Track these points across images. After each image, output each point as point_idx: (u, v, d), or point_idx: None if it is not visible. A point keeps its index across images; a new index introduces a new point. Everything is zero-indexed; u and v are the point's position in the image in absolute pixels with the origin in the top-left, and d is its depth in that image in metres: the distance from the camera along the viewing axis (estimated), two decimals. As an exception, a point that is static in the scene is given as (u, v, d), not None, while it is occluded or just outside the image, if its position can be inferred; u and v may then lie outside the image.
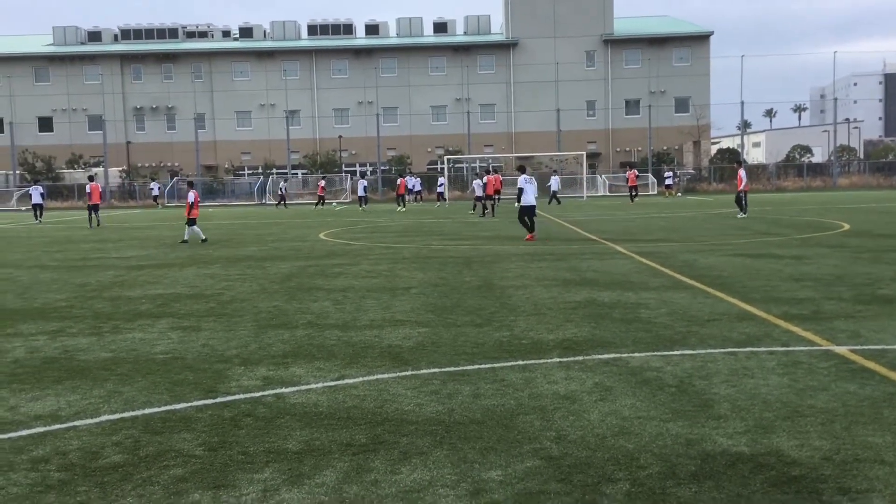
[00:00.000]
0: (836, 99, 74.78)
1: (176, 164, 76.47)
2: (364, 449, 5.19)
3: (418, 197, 55.99)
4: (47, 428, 5.82)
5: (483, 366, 7.35)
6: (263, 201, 63.93)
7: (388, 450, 5.16)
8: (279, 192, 53.18)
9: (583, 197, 56.86)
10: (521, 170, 22.66)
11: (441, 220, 32.83)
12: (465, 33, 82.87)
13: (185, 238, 22.79)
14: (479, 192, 40.84)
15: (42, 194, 41.06)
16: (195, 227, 22.78)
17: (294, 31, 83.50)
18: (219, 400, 6.44)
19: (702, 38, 78.93)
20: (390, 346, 8.33)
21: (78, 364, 7.86)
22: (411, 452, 5.10)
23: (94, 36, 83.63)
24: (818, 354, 7.51)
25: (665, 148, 73.95)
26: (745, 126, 79.89)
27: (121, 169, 72.63)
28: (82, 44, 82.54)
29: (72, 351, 8.48)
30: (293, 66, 78.61)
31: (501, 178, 50.24)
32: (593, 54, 77.76)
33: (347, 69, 78.72)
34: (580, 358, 7.57)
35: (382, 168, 69.48)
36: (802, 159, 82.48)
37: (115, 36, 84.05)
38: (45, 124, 78.05)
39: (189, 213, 22.69)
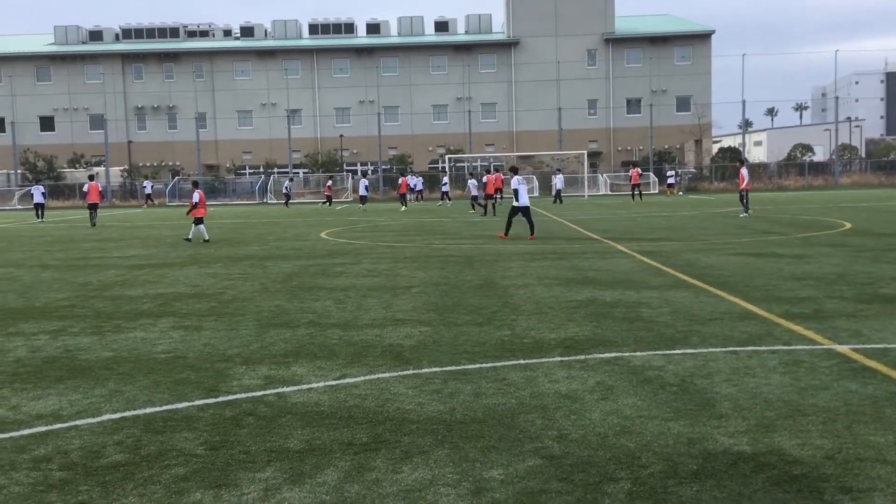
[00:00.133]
0: (837, 98, 74.69)
1: (177, 163, 76.46)
2: (365, 448, 5.19)
3: (419, 196, 55.99)
4: (49, 427, 5.83)
5: (484, 365, 7.35)
6: (265, 200, 63.94)
7: (389, 449, 5.16)
8: (284, 191, 53.14)
9: (584, 196, 56.84)
10: (514, 171, 22.92)
11: (442, 220, 32.83)
12: (467, 32, 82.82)
13: (189, 236, 22.80)
14: (473, 192, 40.92)
15: (43, 194, 41.16)
16: (201, 227, 22.81)
17: (295, 30, 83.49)
18: (220, 399, 6.45)
19: (703, 37, 78.87)
20: (392, 345, 8.33)
21: (79, 363, 7.87)
22: (413, 451, 5.10)
23: (96, 35, 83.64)
24: (820, 353, 7.51)
25: (666, 147, 73.90)
26: (746, 125, 79.86)
27: (122, 168, 72.66)
28: (83, 43, 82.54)
29: (73, 350, 8.49)
30: (294, 65, 78.61)
31: (503, 178, 50.30)
32: (594, 53, 77.72)
33: (349, 68, 78.70)
34: (582, 357, 7.57)
35: (384, 167, 69.50)
36: (804, 158, 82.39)
37: (117, 35, 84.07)
38: (47, 124, 78.08)
39: (194, 213, 22.68)
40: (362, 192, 45.16)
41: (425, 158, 75.68)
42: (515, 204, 21.32)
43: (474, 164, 68.19)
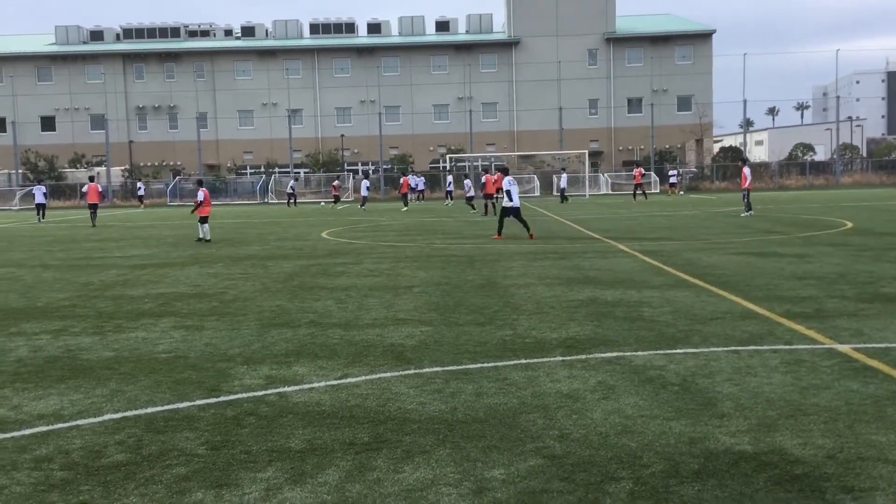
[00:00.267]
0: (838, 97, 74.71)
1: (178, 163, 76.47)
2: (367, 448, 5.19)
3: (421, 196, 56.00)
4: (50, 427, 5.83)
5: (486, 364, 7.35)
6: (266, 200, 63.95)
7: (390, 449, 5.16)
8: (290, 191, 53.11)
9: (585, 195, 56.83)
10: (504, 171, 22.97)
11: (443, 219, 32.83)
12: (467, 32, 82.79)
13: (207, 238, 22.75)
14: (469, 192, 40.97)
15: (45, 194, 41.20)
16: (206, 226, 22.81)
17: (296, 29, 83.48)
18: (221, 399, 6.45)
19: (704, 37, 78.82)
20: (393, 344, 8.33)
21: (81, 363, 7.87)
22: (414, 451, 5.10)
23: (97, 35, 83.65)
24: (821, 353, 7.50)
25: (667, 146, 73.86)
26: (747, 124, 79.82)
27: (123, 168, 72.68)
28: (84, 43, 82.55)
29: (75, 350, 8.49)
30: (295, 64, 78.59)
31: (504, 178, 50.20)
32: (595, 52, 77.68)
33: (349, 68, 78.69)
34: (583, 357, 7.56)
35: (385, 167, 69.51)
36: (805, 157, 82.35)
37: (118, 35, 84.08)
38: (48, 124, 78.09)
39: (199, 211, 22.67)
40: (364, 192, 45.17)
41: (426, 158, 75.69)
42: (507, 205, 21.43)
43: (475, 163, 68.14)
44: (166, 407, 6.26)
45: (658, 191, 61.73)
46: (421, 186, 56.79)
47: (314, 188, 66.10)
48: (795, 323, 8.89)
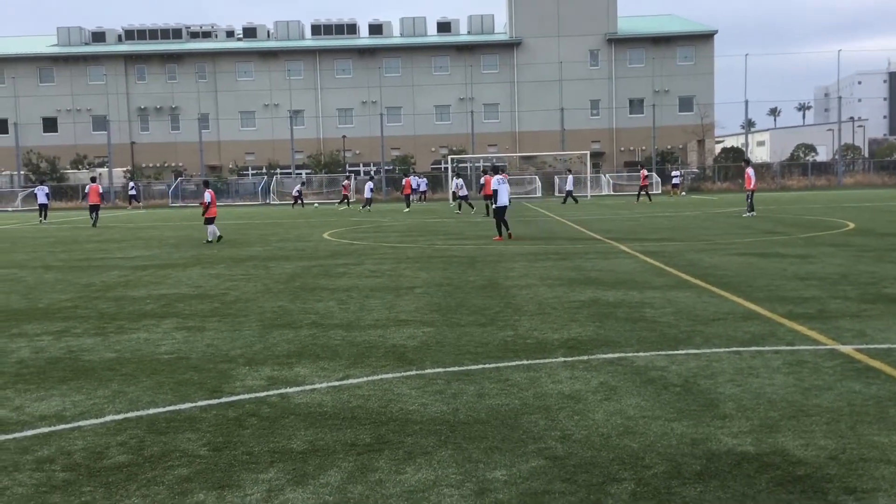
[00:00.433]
0: (840, 97, 74.59)
1: (180, 164, 76.55)
2: (368, 449, 5.19)
3: (423, 197, 56.01)
4: (52, 428, 5.83)
5: (487, 365, 7.34)
6: (268, 201, 63.99)
7: (392, 450, 5.16)
8: (295, 193, 53.13)
9: (587, 196, 56.82)
10: (495, 171, 23.01)
11: (445, 220, 32.83)
12: (469, 33, 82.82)
13: (209, 239, 22.74)
14: (461, 193, 41.04)
15: (47, 195, 41.27)
16: (212, 227, 22.81)
17: (298, 30, 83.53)
18: (223, 400, 6.45)
19: (706, 37, 78.82)
20: (394, 345, 8.33)
21: (83, 364, 7.87)
22: (416, 452, 5.09)
23: (98, 36, 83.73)
24: (823, 353, 7.49)
25: (669, 147, 73.85)
26: (749, 125, 79.72)
27: (125, 169, 72.74)
28: (86, 44, 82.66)
29: (76, 351, 8.49)
30: (297, 66, 78.64)
31: (507, 177, 50.19)
32: (597, 53, 77.68)
33: (351, 69, 78.73)
34: (585, 357, 7.56)
35: (386, 168, 69.53)
36: (807, 158, 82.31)
37: (119, 36, 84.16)
38: (50, 125, 78.18)
39: (206, 213, 22.67)
40: (367, 193, 45.21)
41: (428, 159, 75.70)
42: (496, 205, 21.51)
43: (476, 164, 68.16)
44: (168, 408, 6.26)
45: (660, 191, 61.71)
46: (423, 187, 56.79)
47: (316, 189, 66.13)
48: (797, 324, 8.88)
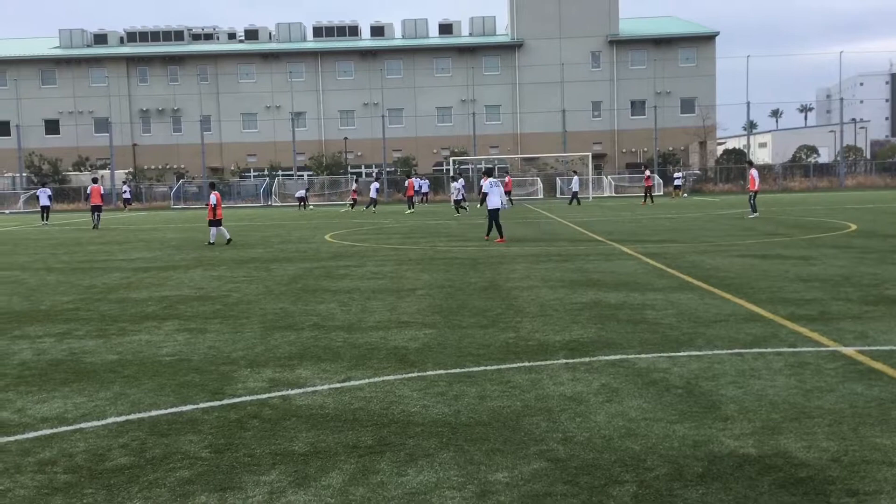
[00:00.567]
0: (842, 99, 74.53)
1: (182, 166, 76.64)
2: (370, 451, 5.18)
3: (425, 198, 56.05)
4: (54, 430, 5.83)
5: (489, 367, 7.34)
6: (269, 203, 64.03)
7: (394, 451, 5.15)
8: (302, 196, 53.18)
9: (589, 198, 56.82)
10: (488, 173, 23.12)
11: (447, 222, 32.83)
12: (471, 34, 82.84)
13: (211, 241, 22.74)
14: (456, 195, 41.06)
15: (49, 197, 41.42)
16: (222, 228, 22.83)
17: (299, 32, 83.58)
18: (225, 402, 6.45)
19: (707, 39, 78.79)
20: (396, 347, 8.32)
21: (84, 366, 7.87)
22: (417, 454, 5.09)
23: (101, 38, 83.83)
24: (825, 355, 7.49)
25: (671, 149, 73.85)
26: (751, 126, 79.69)
27: (127, 171, 72.79)
28: (88, 46, 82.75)
29: (78, 353, 8.50)
30: (298, 67, 78.68)
31: (511, 180, 50.61)
32: (599, 55, 77.67)
33: (353, 71, 78.76)
34: (586, 359, 7.55)
35: (388, 170, 69.55)
36: (809, 160, 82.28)
37: (121, 38, 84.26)
38: (52, 127, 78.25)
39: (213, 215, 22.66)
40: (373, 193, 45.30)
41: (430, 161, 75.73)
42: (488, 208, 21.60)
43: (478, 166, 68.17)
44: (170, 410, 6.26)
45: (661, 193, 61.69)
46: (425, 189, 56.82)
47: (317, 191, 66.15)
48: (799, 325, 8.87)
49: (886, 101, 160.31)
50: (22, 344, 9.08)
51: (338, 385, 6.88)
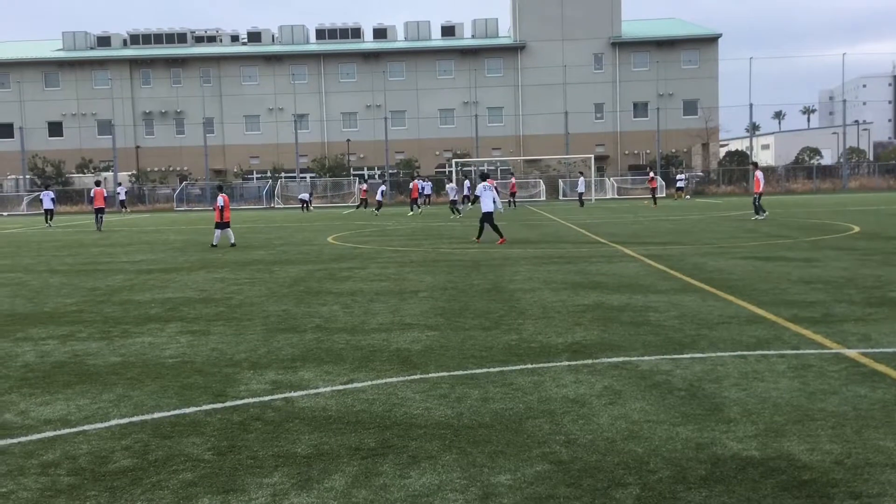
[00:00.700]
0: (844, 101, 74.52)
1: (185, 168, 76.74)
2: (373, 453, 5.18)
3: (427, 200, 56.09)
4: (57, 432, 5.84)
5: (492, 369, 7.34)
6: (272, 205, 64.07)
7: (396, 454, 5.15)
8: (306, 198, 53.26)
9: (591, 199, 56.81)
10: (484, 177, 23.19)
11: (450, 224, 32.83)
12: (473, 36, 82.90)
13: (214, 243, 22.75)
14: (452, 196, 41.06)
15: (53, 199, 41.51)
16: (228, 231, 22.84)
17: (302, 35, 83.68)
18: (228, 404, 6.45)
19: (710, 41, 78.78)
20: (399, 349, 8.32)
21: (87, 368, 7.88)
22: (420, 456, 5.09)
23: (104, 41, 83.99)
24: (828, 357, 7.48)
25: (673, 150, 73.82)
26: (753, 128, 79.65)
27: (130, 173, 72.91)
28: (92, 49, 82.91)
29: (81, 355, 8.50)
30: (301, 70, 78.78)
31: (515, 182, 50.71)
32: (601, 57, 77.69)
33: (355, 73, 78.84)
34: (589, 361, 7.55)
35: (391, 172, 69.58)
36: (811, 161, 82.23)
37: (125, 41, 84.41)
38: (55, 129, 78.40)
39: (220, 217, 22.67)
40: (379, 196, 45.42)
41: (432, 163, 75.76)
42: (482, 210, 21.75)
43: (481, 167, 68.18)
44: (173, 412, 6.27)
45: (664, 195, 61.67)
46: (427, 191, 56.87)
47: (320, 193, 66.18)
48: (803, 327, 8.86)
49: (889, 102, 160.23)
50: (25, 346, 9.09)
51: (340, 387, 6.88)
